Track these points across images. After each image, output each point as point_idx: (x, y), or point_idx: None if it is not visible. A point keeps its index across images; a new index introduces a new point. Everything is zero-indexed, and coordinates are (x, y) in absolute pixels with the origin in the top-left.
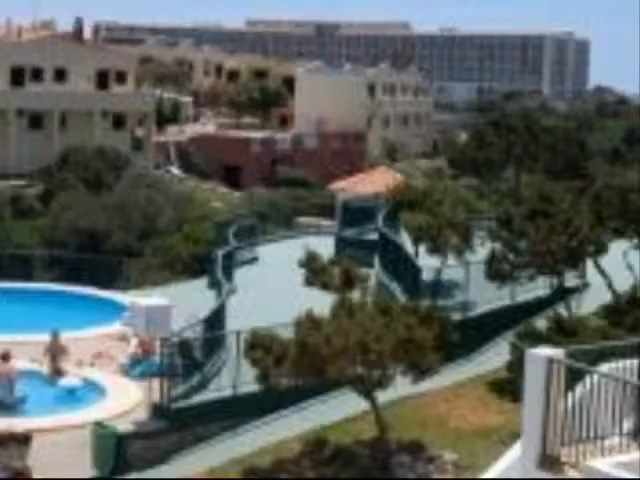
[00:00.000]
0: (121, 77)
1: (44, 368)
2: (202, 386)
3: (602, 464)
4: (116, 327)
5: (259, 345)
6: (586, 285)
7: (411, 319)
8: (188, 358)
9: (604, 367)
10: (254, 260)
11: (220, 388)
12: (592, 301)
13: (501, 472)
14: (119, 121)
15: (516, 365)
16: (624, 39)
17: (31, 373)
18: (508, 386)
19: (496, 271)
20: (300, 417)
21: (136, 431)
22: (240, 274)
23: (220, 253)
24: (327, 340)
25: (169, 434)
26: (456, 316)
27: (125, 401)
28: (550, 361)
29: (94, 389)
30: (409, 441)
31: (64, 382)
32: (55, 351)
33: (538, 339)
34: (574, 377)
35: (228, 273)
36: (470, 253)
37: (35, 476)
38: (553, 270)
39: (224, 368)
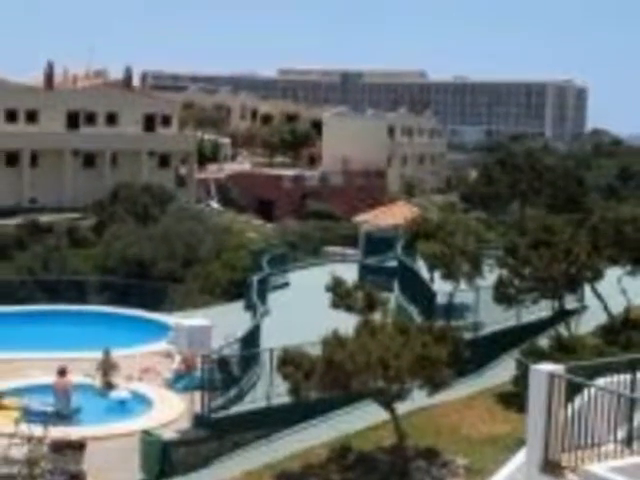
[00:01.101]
0: (166, 121)
1: (97, 382)
2: (239, 398)
3: (599, 468)
4: (162, 345)
5: (290, 361)
6: (584, 307)
7: (427, 338)
8: (226, 373)
9: (600, 381)
10: (285, 285)
11: (255, 400)
12: (589, 322)
13: (508, 476)
14: (164, 160)
15: (521, 379)
16: (619, 86)
17: (85, 387)
18: (514, 398)
19: (503, 295)
20: (327, 426)
21: (179, 439)
22: (273, 298)
23: (255, 279)
24: (351, 357)
25: (209, 441)
26: (467, 335)
27: (170, 412)
28: (552, 376)
29: (142, 401)
30: (425, 448)
31: (115, 395)
32: (107, 367)
33: (541, 356)
34: (573, 390)
35: (262, 297)
36: (480, 279)
37: (89, 479)
38: (554, 294)
39: (259, 382)
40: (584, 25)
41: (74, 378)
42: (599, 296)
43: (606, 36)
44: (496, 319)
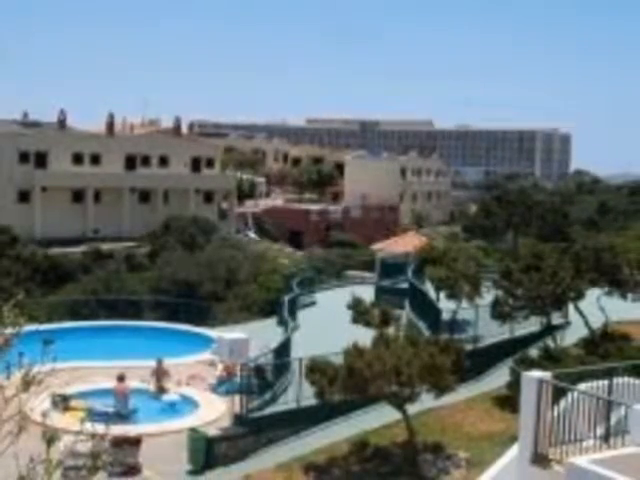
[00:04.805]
0: (210, 163)
1: (151, 387)
2: (273, 400)
3: (581, 461)
4: (206, 355)
5: (316, 369)
6: (568, 323)
7: (433, 349)
8: (262, 379)
9: (582, 386)
10: (313, 304)
11: (286, 402)
12: (573, 335)
13: (503, 467)
14: (209, 196)
15: (514, 384)
16: (599, 133)
17: (141, 391)
18: (508, 401)
19: (499, 312)
20: (348, 425)
21: (221, 435)
22: (302, 315)
23: (286, 298)
24: (369, 365)
25: (247, 437)
26: (468, 347)
27: (213, 412)
28: (540, 381)
29: (189, 403)
30: (432, 443)
31: (166, 397)
32: (159, 374)
33: (531, 365)
34: (559, 394)
35: (292, 314)
36: (479, 298)
37: (144, 470)
38: (543, 311)
39: (289, 387)
40: (570, 81)
41: (131, 383)
42: (581, 313)
43: (589, 91)
44: (493, 333)
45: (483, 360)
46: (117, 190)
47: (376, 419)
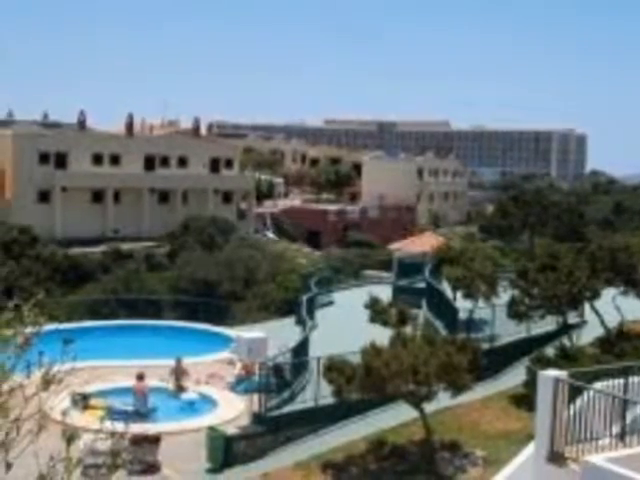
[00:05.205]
0: (229, 163)
1: (170, 385)
2: (291, 399)
3: (596, 459)
4: (225, 354)
5: (334, 368)
6: (584, 322)
7: (450, 348)
8: (280, 378)
9: (598, 385)
10: (330, 303)
11: (304, 401)
12: (589, 334)
13: (519, 465)
14: (227, 197)
15: (531, 383)
16: (615, 134)
17: (160, 389)
18: (524, 399)
19: (515, 311)
20: (365, 423)
21: (240, 434)
22: (320, 314)
23: (304, 298)
24: (386, 364)
25: (265, 436)
26: (485, 346)
27: (232, 411)
28: (557, 380)
29: (208, 401)
30: (449, 441)
31: (185, 396)
32: (178, 372)
33: (547, 363)
34: (575, 392)
35: (310, 313)
36: (495, 298)
37: (163, 468)
38: (559, 311)
39: (307, 385)
40: (585, 82)
41: (151, 382)
42: (597, 312)
43: (604, 91)
44: (509, 332)
45: (500, 359)
46: (136, 190)
47: (393, 418)
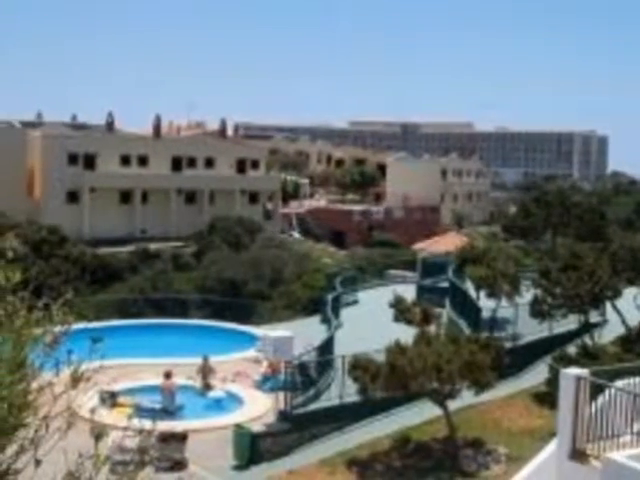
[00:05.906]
0: (255, 164)
1: (197, 384)
2: (316, 397)
3: (618, 456)
4: (251, 353)
5: (359, 366)
6: (605, 321)
7: (474, 347)
8: (306, 376)
9: (619, 383)
10: (355, 302)
11: (330, 399)
12: (610, 333)
13: (542, 462)
14: (254, 197)
15: (553, 381)
16: (636, 135)
17: (187, 387)
18: (547, 397)
19: (538, 310)
20: (390, 421)
21: (266, 431)
22: (345, 313)
23: (330, 297)
24: (410, 362)
25: (291, 433)
26: (508, 344)
27: (258, 408)
28: (578, 378)
29: (235, 399)
30: (472, 438)
31: (212, 394)
32: (205, 371)
33: (569, 362)
34: (596, 390)
35: (336, 312)
36: (518, 297)
37: (190, 465)
38: (580, 310)
39: (333, 384)
40: (607, 84)
41: (178, 380)
42: (618, 311)
43: (625, 93)
44: (532, 331)
45: (522, 357)
46: (164, 191)
47: (417, 415)
